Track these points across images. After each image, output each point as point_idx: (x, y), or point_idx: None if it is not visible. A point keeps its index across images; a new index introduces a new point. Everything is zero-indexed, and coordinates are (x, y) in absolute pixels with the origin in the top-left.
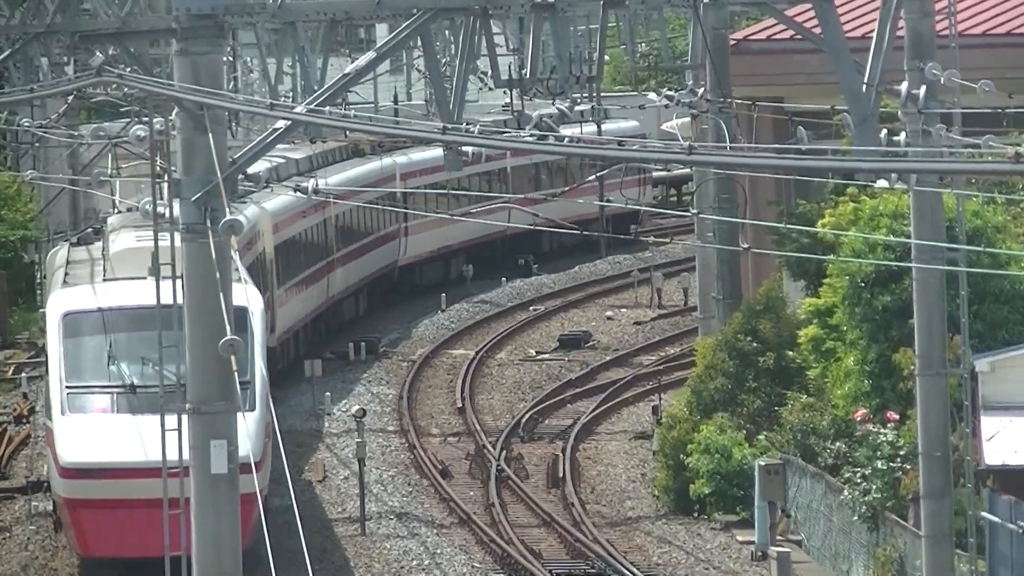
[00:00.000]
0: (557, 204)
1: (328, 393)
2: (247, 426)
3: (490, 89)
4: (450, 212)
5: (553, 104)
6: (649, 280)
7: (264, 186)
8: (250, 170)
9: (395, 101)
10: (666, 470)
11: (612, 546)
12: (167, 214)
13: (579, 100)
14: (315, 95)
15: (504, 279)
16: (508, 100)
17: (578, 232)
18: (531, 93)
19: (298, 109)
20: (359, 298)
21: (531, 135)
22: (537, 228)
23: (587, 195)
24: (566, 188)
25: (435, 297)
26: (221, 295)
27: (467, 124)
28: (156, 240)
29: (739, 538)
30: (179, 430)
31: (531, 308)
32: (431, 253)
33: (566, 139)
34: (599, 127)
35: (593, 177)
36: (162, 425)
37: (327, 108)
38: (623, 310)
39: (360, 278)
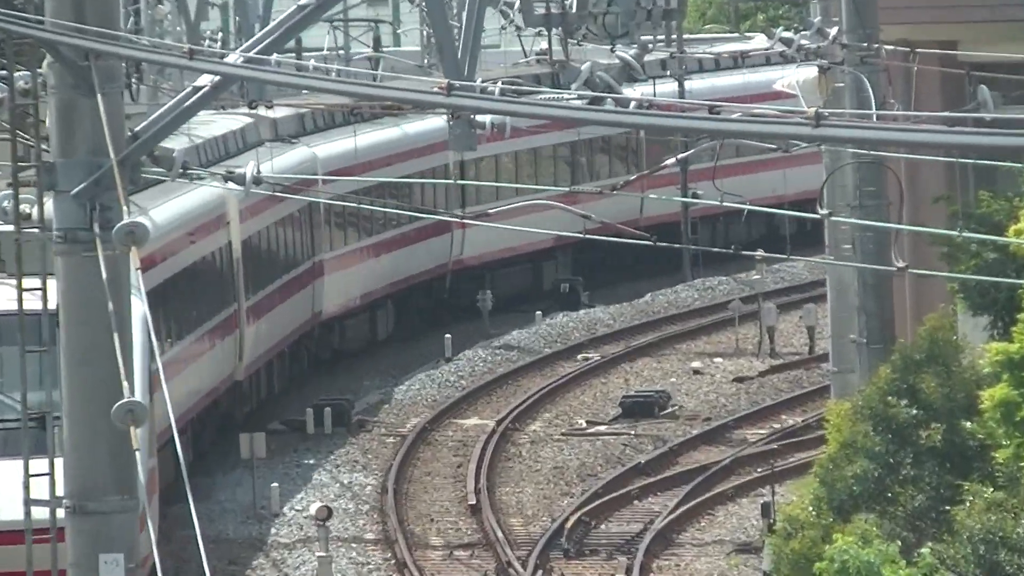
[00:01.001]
0: (616, 201)
1: (276, 484)
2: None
3: (518, 29)
4: (461, 211)
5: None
6: (757, 315)
7: (180, 173)
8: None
9: (375, 46)
10: None
11: None
12: (33, 214)
13: (651, 46)
14: (255, 38)
15: (539, 313)
16: (544, 45)
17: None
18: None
19: (230, 59)
20: (358, 321)
21: (579, 97)
22: (588, 237)
23: (662, 187)
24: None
25: (435, 339)
26: (116, 338)
27: (483, 81)
28: (19, 257)
29: None
30: (51, 475)
31: (579, 357)
32: (412, 277)
33: (631, 104)
34: (681, 85)
35: (672, 160)
36: (25, 470)
37: (273, 57)
38: (717, 360)
39: (364, 292)
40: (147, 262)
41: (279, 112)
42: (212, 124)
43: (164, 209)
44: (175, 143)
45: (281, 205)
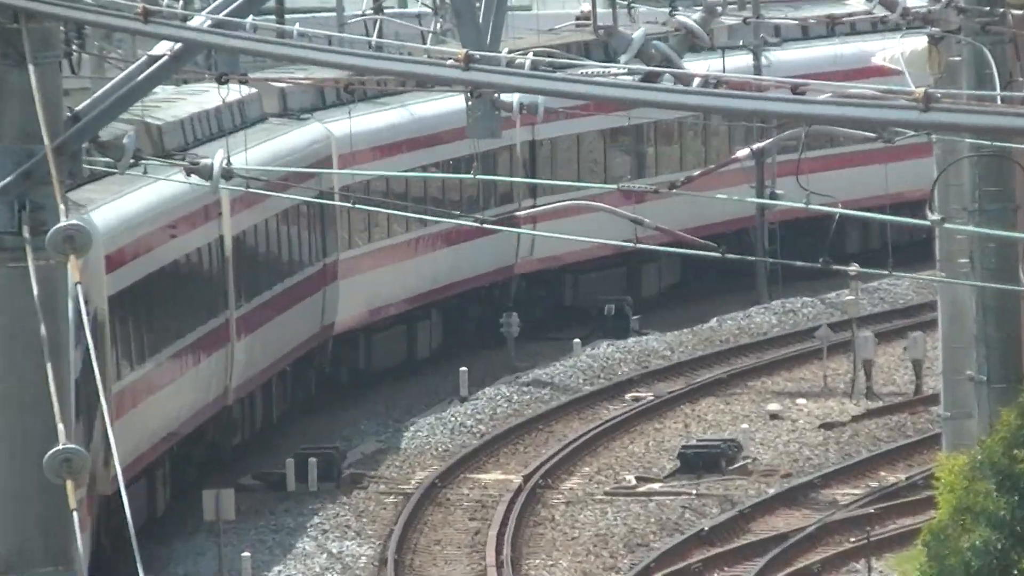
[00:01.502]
0: (675, 202)
1: (247, 553)
2: None
3: None
4: (479, 216)
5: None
6: (850, 345)
7: (133, 163)
8: (107, 134)
9: (376, 6)
10: None
11: None
12: None
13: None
14: None
15: (577, 341)
16: (586, 7)
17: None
18: None
19: (195, 22)
20: (389, 336)
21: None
22: (640, 246)
23: (733, 186)
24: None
25: (448, 372)
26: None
27: (509, 52)
28: None
29: None
30: None
31: (628, 396)
32: (422, 296)
33: (694, 81)
34: (757, 58)
35: (745, 152)
36: None
37: (248, 19)
38: (800, 401)
39: (396, 300)
40: (114, 260)
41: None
42: (203, 95)
43: (137, 196)
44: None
45: (287, 192)
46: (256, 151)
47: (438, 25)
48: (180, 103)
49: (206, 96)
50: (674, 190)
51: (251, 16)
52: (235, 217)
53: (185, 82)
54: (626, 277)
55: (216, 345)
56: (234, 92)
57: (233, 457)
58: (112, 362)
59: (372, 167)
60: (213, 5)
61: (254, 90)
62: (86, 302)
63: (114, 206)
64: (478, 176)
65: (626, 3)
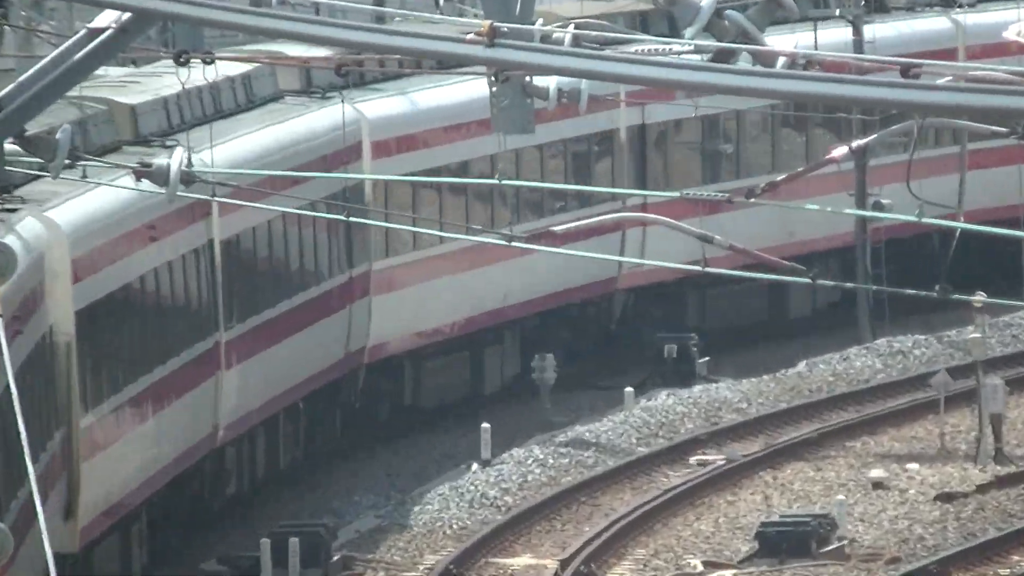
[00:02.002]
0: (753, 214)
1: None
2: None
3: None
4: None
5: None
6: (975, 396)
7: (69, 165)
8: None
9: None
10: None
11: None
12: None
13: None
14: None
15: (630, 390)
16: None
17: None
18: None
19: None
20: (444, 364)
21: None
22: (710, 271)
23: (826, 195)
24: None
25: (467, 426)
26: None
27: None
28: None
29: None
30: None
31: (693, 460)
32: (449, 328)
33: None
34: (859, 31)
35: (840, 151)
36: None
37: None
38: (911, 466)
39: (452, 321)
40: (83, 267)
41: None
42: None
43: (110, 192)
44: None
45: (298, 186)
46: (254, 139)
47: None
48: (166, 77)
49: (201, 70)
50: (752, 199)
51: None
52: (226, 218)
53: (134, 63)
54: (691, 308)
55: (201, 374)
56: (242, 65)
57: (221, 513)
58: (78, 393)
59: (417, 158)
60: None
61: (264, 64)
62: (204, 244)
63: (82, 202)
64: (503, 180)
65: None
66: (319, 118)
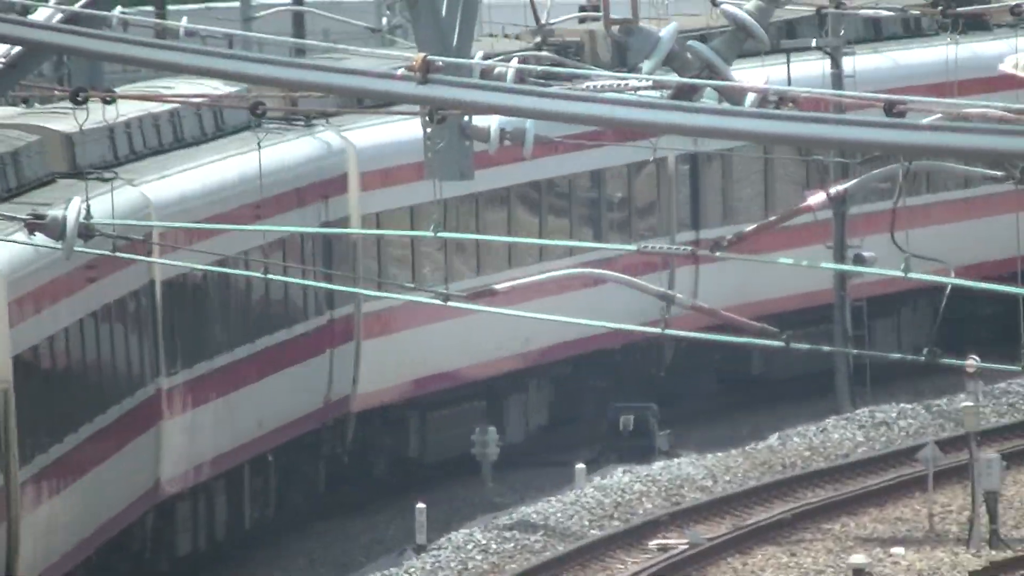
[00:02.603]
0: (719, 270)
1: None
2: None
3: None
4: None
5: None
6: (967, 471)
7: None
8: None
9: None
10: None
11: None
12: None
13: None
14: None
15: (581, 467)
16: None
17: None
18: None
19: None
20: (452, 415)
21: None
22: (670, 332)
23: (801, 247)
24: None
25: (398, 508)
26: None
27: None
28: None
29: None
30: None
31: (653, 544)
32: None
33: (747, 97)
34: (837, 63)
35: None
36: None
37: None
38: (896, 551)
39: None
40: (22, 309)
41: None
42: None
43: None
44: None
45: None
46: (212, 171)
47: (386, 20)
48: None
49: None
50: (718, 253)
51: (118, 7)
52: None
53: (25, 102)
54: (650, 374)
55: (140, 424)
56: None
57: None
58: (15, 447)
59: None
60: None
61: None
62: (144, 286)
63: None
64: (439, 233)
65: None
66: (297, 147)
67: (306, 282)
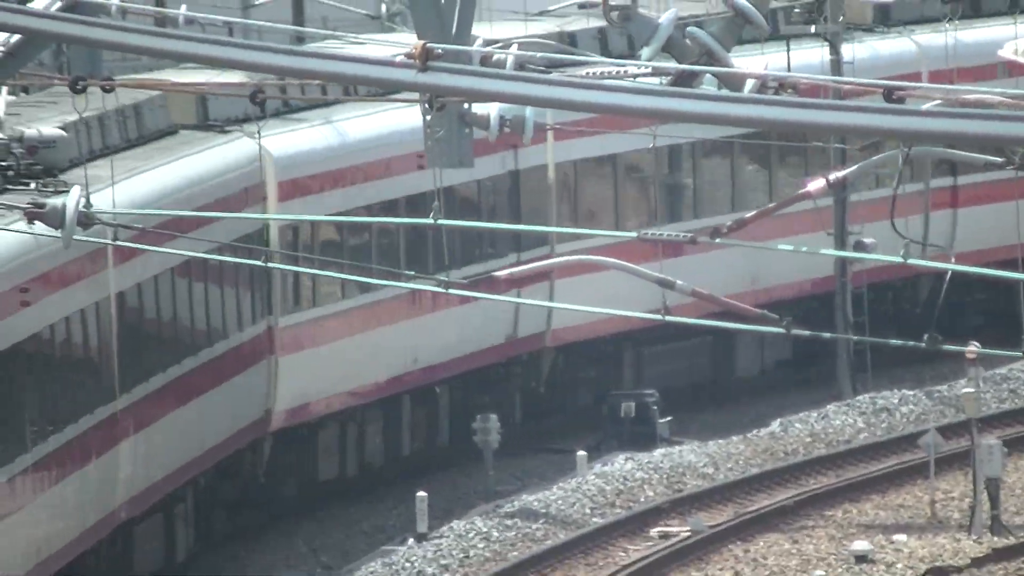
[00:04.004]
0: (719, 257)
1: None
2: None
3: None
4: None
5: None
6: (968, 458)
7: None
8: None
9: None
10: None
11: None
12: None
13: None
14: None
15: (583, 453)
16: None
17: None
18: None
19: (38, 4)
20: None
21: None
22: (671, 319)
23: (800, 234)
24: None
25: (398, 496)
26: None
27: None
28: None
29: None
30: None
31: (655, 532)
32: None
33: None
34: (836, 50)
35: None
36: None
37: (115, 0)
38: (898, 537)
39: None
40: None
41: None
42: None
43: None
44: None
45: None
46: (138, 181)
47: (385, 7)
48: (48, 108)
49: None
50: (718, 239)
51: None
52: (124, 265)
53: (25, 91)
54: (651, 362)
55: (97, 446)
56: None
57: None
58: (114, 369)
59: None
60: None
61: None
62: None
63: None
64: (440, 221)
65: None
66: (214, 156)
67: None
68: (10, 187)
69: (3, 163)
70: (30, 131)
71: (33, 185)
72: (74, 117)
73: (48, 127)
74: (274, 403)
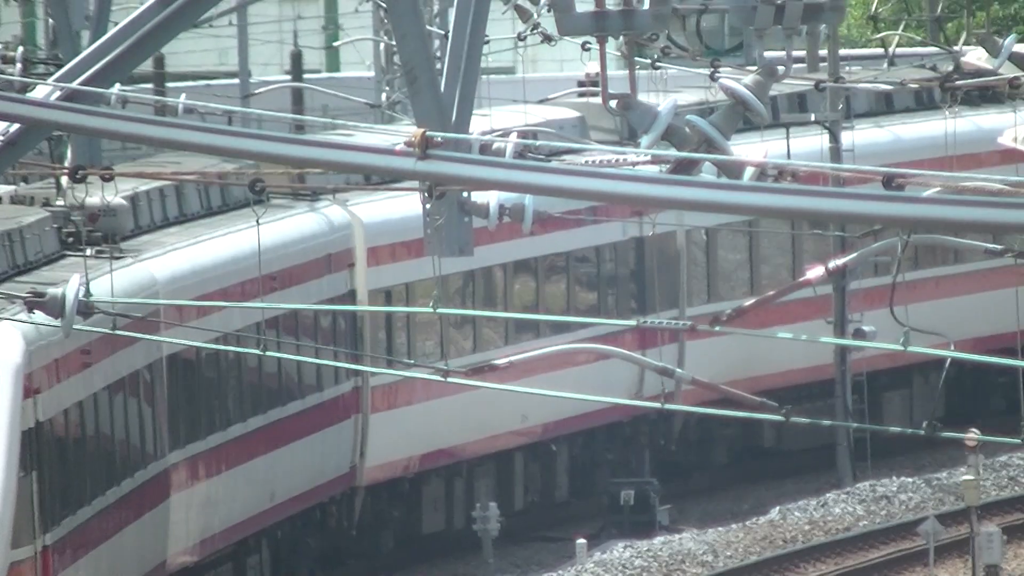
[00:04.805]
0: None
1: None
2: None
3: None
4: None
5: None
6: (968, 545)
7: None
8: None
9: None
10: None
11: None
12: None
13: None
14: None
15: (582, 541)
16: (593, 68)
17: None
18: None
19: (39, 93)
20: None
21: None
22: (669, 407)
23: (799, 322)
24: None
25: None
26: None
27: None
28: None
29: None
30: None
31: None
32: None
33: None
34: (836, 137)
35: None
36: None
37: (112, 90)
38: None
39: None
40: (43, 378)
41: None
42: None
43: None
44: None
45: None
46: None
47: (384, 95)
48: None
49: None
50: (717, 327)
51: (117, 84)
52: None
53: (25, 180)
54: (651, 450)
55: (146, 503)
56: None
57: None
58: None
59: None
60: (63, 70)
61: (44, 214)
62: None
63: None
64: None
65: (650, 62)
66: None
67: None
68: (67, 253)
69: (63, 229)
70: (92, 199)
71: (90, 252)
72: (148, 186)
73: (112, 195)
74: None
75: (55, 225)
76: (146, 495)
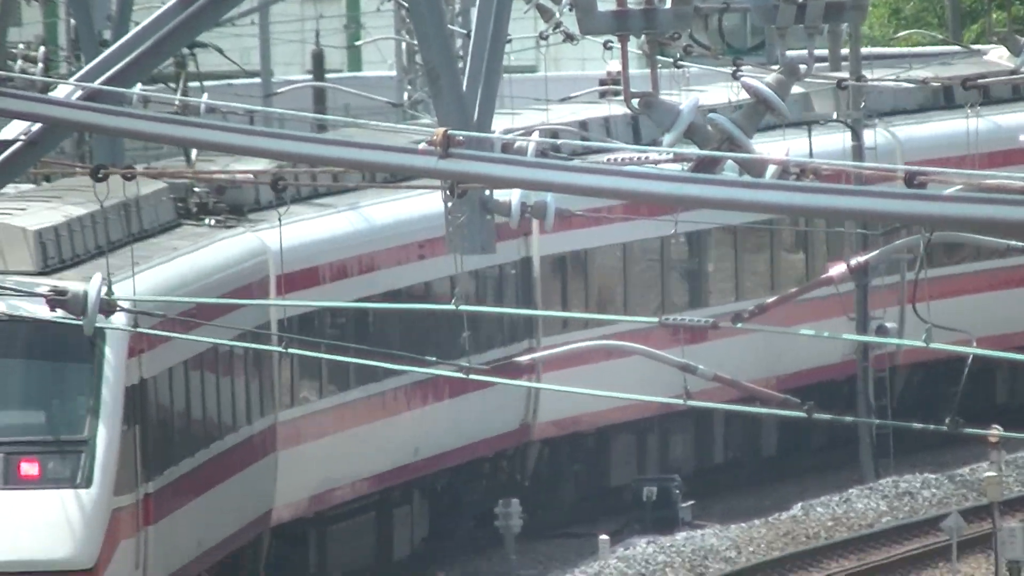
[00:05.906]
0: (741, 342)
1: None
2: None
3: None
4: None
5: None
6: (990, 541)
7: None
8: None
9: (317, 68)
10: None
11: None
12: None
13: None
14: (103, 56)
15: (605, 537)
16: (615, 67)
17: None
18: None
19: (60, 92)
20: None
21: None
22: (692, 404)
23: (822, 319)
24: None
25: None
26: None
27: (506, 132)
28: None
29: None
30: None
31: None
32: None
33: (768, 169)
34: (858, 136)
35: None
36: None
37: (135, 90)
38: None
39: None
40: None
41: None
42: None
43: None
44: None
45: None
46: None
47: (406, 94)
48: (49, 201)
49: (84, 195)
50: (739, 324)
51: (138, 85)
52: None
53: (47, 179)
54: (673, 446)
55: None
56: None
57: None
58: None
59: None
60: (84, 70)
61: (161, 185)
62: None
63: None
64: (460, 307)
65: (672, 60)
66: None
67: None
68: (183, 222)
69: (187, 201)
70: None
71: (212, 221)
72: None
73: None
74: None
75: (171, 196)
76: (252, 449)
